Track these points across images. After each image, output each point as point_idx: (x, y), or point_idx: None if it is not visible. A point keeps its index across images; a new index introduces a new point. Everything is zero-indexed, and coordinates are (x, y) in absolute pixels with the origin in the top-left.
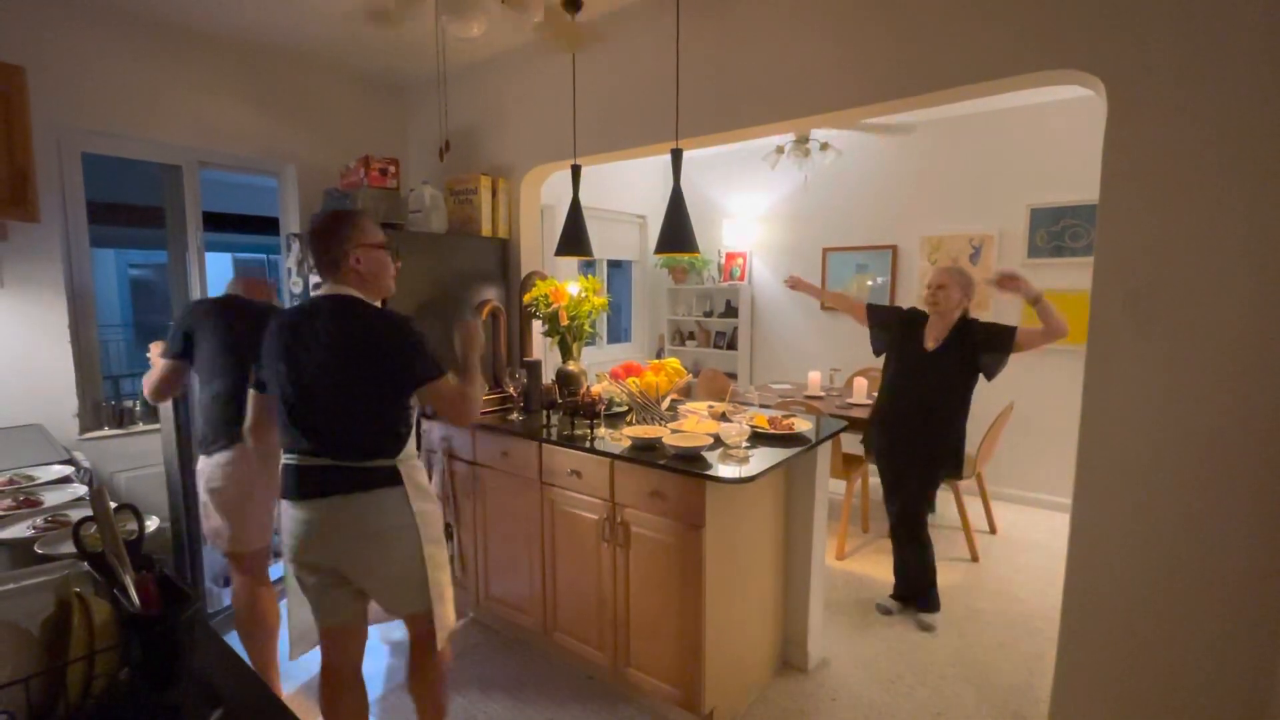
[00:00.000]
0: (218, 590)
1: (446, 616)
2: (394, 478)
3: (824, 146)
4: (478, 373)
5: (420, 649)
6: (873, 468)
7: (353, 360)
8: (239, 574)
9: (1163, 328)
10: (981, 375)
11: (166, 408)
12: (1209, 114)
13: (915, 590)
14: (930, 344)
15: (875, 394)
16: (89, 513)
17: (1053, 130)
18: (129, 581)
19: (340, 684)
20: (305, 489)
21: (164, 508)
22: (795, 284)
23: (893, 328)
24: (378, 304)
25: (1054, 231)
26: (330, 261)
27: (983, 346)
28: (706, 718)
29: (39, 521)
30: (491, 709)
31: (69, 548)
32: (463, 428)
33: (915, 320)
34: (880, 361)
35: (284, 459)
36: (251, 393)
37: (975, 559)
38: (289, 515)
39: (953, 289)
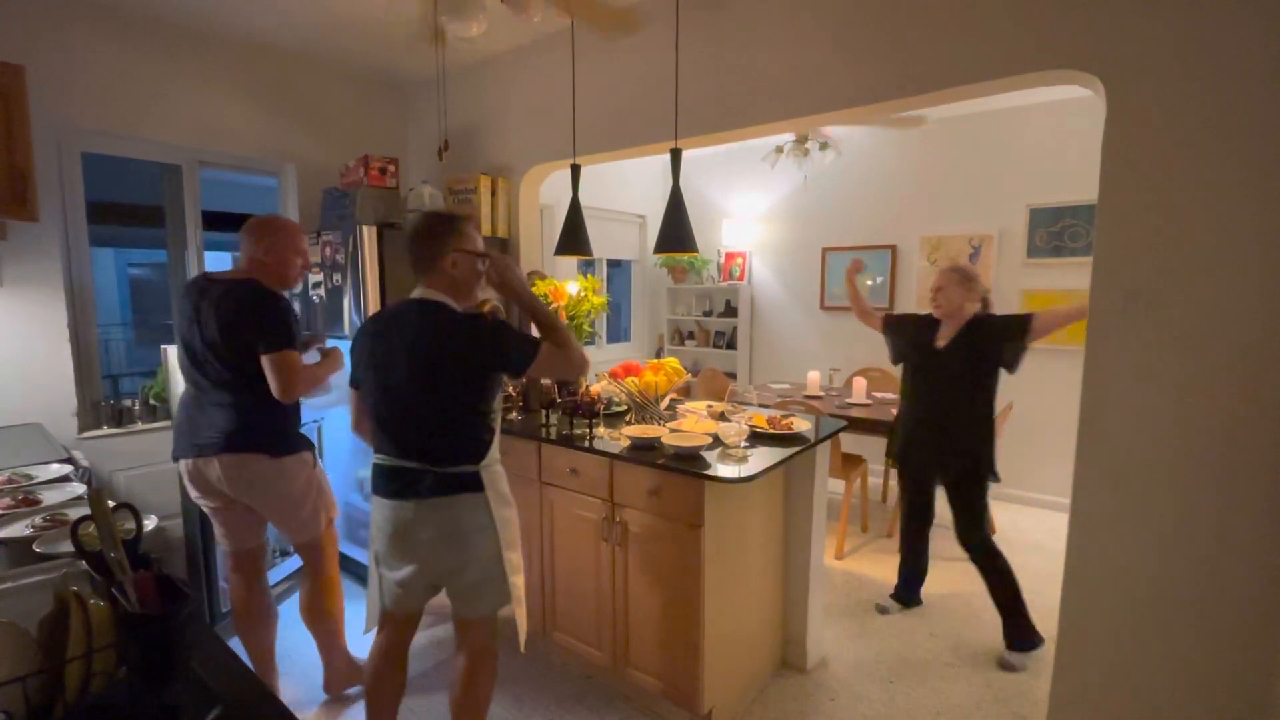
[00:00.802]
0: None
1: (523, 619)
2: (476, 483)
3: (823, 146)
4: (547, 313)
5: (475, 656)
6: (865, 468)
7: (435, 366)
8: (239, 572)
9: (1161, 327)
10: (1003, 371)
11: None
12: (1207, 113)
13: (1012, 617)
14: (941, 342)
15: (873, 395)
16: (87, 512)
17: (1052, 130)
18: (127, 580)
19: (390, 662)
20: (392, 488)
21: (162, 507)
22: (858, 267)
23: (906, 332)
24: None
25: (1053, 231)
26: (425, 262)
27: (1000, 337)
28: (705, 717)
29: (37, 520)
30: (491, 708)
31: (67, 547)
32: (586, 373)
33: (929, 323)
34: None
35: (374, 457)
36: (350, 391)
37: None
38: (378, 511)
39: (950, 289)
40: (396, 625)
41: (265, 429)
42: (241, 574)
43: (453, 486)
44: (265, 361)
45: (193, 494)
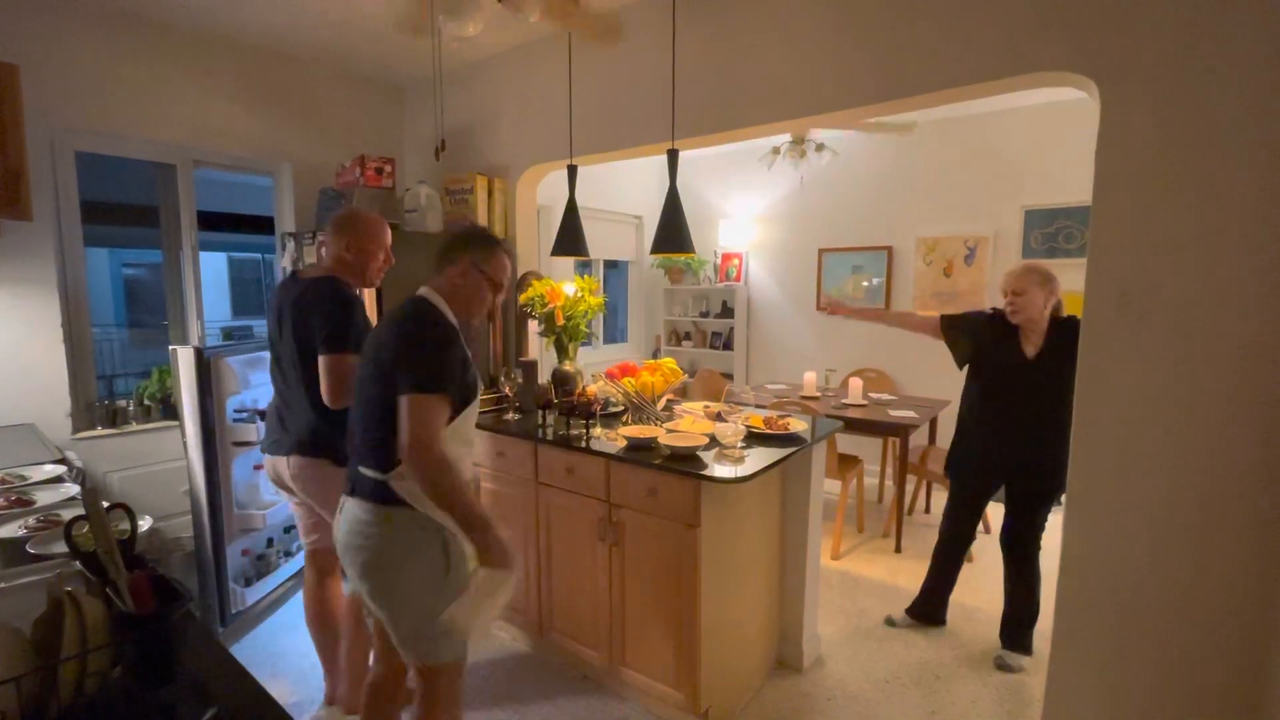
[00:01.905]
0: (240, 590)
1: (449, 682)
2: (390, 495)
3: (819, 148)
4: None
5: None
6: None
7: (379, 352)
8: (309, 567)
9: (1155, 328)
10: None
11: (193, 405)
12: (1200, 115)
13: (1017, 626)
14: (1030, 351)
15: (869, 395)
16: (81, 512)
17: (1047, 132)
18: (121, 580)
19: (376, 698)
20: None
21: (158, 507)
22: (833, 309)
23: (981, 337)
24: (449, 316)
25: (1048, 233)
26: (440, 260)
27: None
28: (702, 717)
29: (31, 521)
30: (487, 710)
31: (61, 548)
32: (411, 462)
33: (1005, 329)
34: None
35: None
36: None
37: (970, 559)
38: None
39: (1032, 292)
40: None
41: (333, 435)
42: (312, 569)
43: (368, 492)
44: (321, 362)
45: (273, 488)
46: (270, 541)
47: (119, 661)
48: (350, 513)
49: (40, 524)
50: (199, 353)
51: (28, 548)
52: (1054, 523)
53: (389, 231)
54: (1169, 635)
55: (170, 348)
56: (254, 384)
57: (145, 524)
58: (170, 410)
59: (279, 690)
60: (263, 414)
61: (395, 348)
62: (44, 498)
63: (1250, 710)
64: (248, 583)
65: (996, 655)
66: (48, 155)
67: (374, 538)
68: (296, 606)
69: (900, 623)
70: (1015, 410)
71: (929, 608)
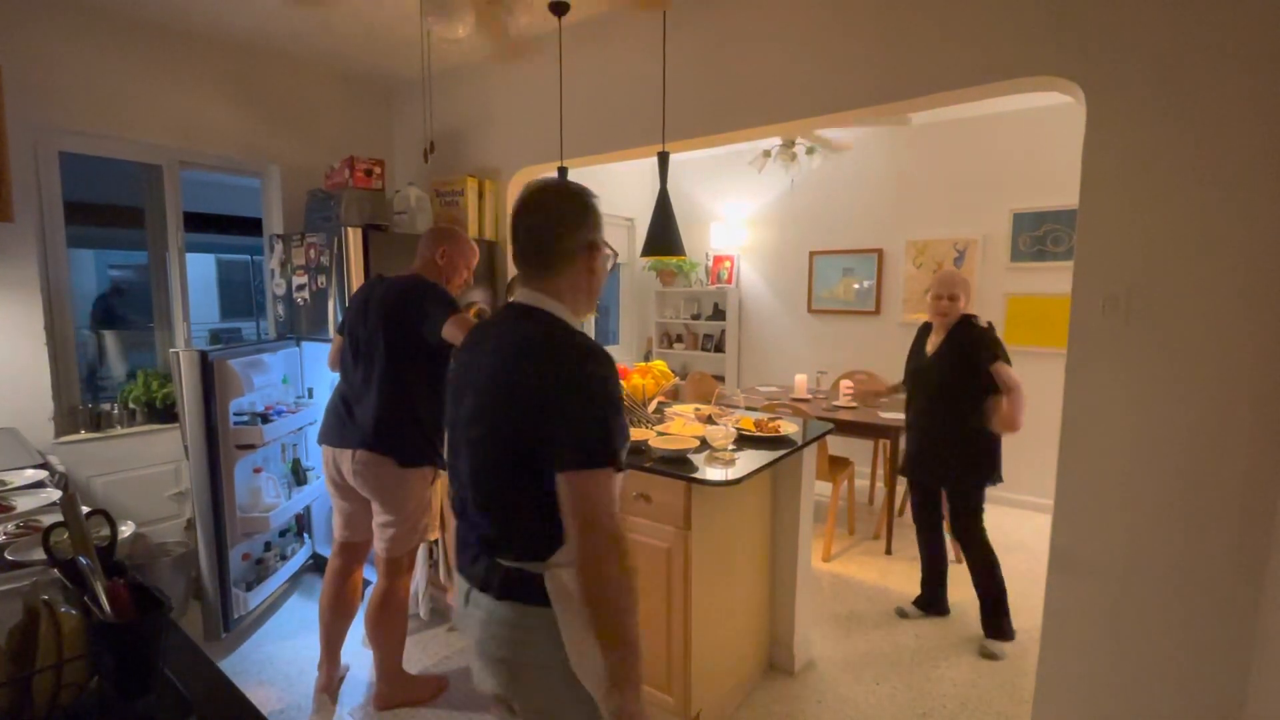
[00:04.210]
0: (243, 595)
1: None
2: (539, 592)
3: (810, 151)
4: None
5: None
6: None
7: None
8: (339, 558)
9: (1141, 331)
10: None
11: (197, 409)
12: (1186, 119)
13: (992, 612)
14: (929, 349)
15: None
16: (61, 518)
17: (1036, 136)
18: (100, 589)
19: None
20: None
21: (143, 513)
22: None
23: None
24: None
25: (1036, 236)
26: (544, 251)
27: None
28: None
29: (10, 527)
30: (474, 714)
31: (40, 554)
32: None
33: (921, 335)
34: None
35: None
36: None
37: (959, 560)
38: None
39: (962, 299)
40: None
41: (400, 435)
42: (341, 561)
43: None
44: (447, 326)
45: (325, 478)
46: (268, 545)
47: (96, 672)
48: (494, 615)
49: (20, 530)
50: (203, 355)
51: (6, 554)
52: (1040, 524)
53: (478, 258)
54: (1156, 630)
55: (172, 350)
56: (257, 386)
57: (127, 530)
58: (156, 414)
59: (265, 697)
60: (264, 416)
61: (544, 395)
62: (24, 503)
63: (1236, 702)
64: (248, 587)
65: (980, 645)
66: (30, 155)
67: (535, 645)
68: (288, 613)
69: (911, 614)
70: (919, 408)
71: (927, 598)
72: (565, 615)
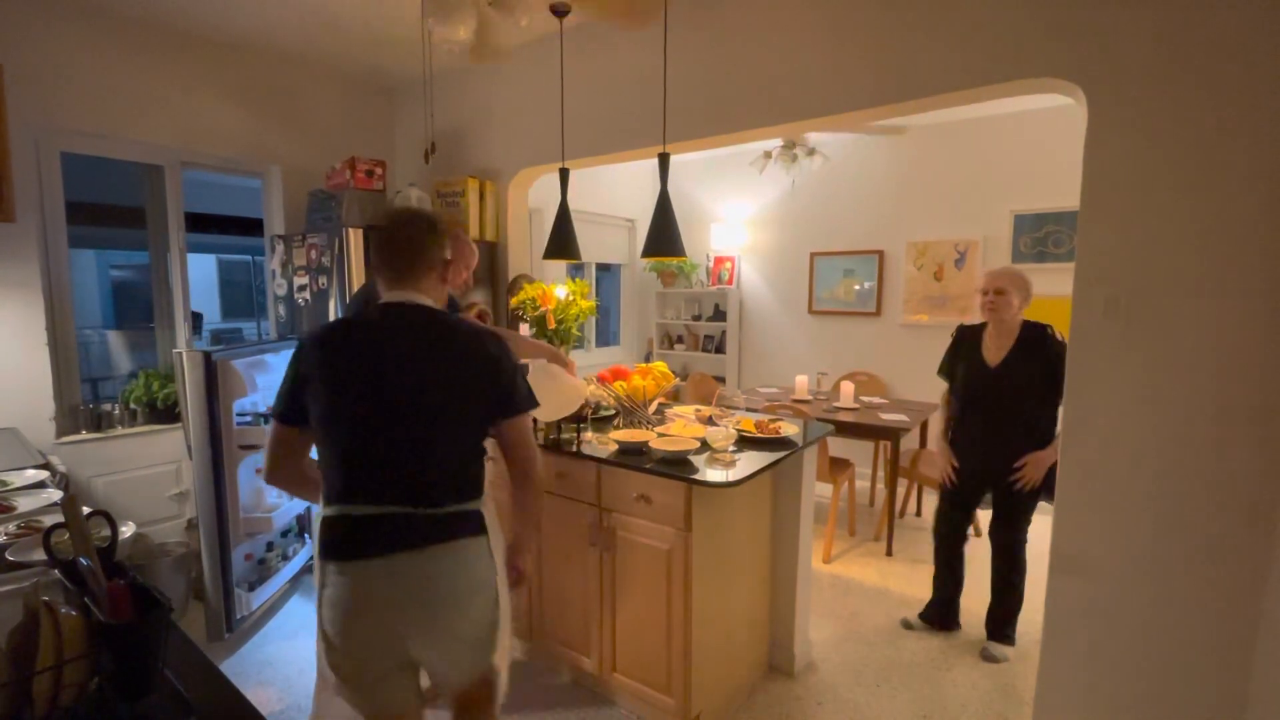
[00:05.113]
0: (246, 595)
1: (505, 681)
2: (479, 524)
3: (810, 153)
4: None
5: None
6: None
7: (456, 383)
8: None
9: (1143, 331)
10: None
11: (200, 409)
12: (1187, 120)
13: (1004, 619)
14: (992, 358)
15: (860, 399)
16: (61, 519)
17: (1036, 137)
18: (100, 589)
19: None
20: (370, 545)
21: (144, 513)
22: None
23: (955, 353)
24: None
25: (1037, 237)
26: (419, 258)
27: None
28: None
29: (10, 527)
30: None
31: (41, 555)
32: (536, 478)
33: (971, 338)
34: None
35: (325, 510)
36: (275, 427)
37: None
38: (336, 583)
39: (1012, 295)
40: None
41: None
42: None
43: (454, 531)
44: None
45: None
46: (270, 545)
47: (97, 672)
48: (460, 556)
49: (21, 530)
50: (207, 356)
51: (7, 555)
52: (1041, 527)
53: (477, 259)
54: (1158, 632)
55: (174, 350)
56: (260, 386)
57: (128, 531)
58: (157, 414)
59: (265, 698)
60: (266, 417)
61: (483, 375)
62: (25, 503)
63: (1238, 704)
64: (250, 587)
65: (983, 647)
66: (32, 155)
67: (489, 570)
68: (288, 613)
69: (916, 626)
70: (985, 417)
71: (941, 613)
72: (495, 531)
